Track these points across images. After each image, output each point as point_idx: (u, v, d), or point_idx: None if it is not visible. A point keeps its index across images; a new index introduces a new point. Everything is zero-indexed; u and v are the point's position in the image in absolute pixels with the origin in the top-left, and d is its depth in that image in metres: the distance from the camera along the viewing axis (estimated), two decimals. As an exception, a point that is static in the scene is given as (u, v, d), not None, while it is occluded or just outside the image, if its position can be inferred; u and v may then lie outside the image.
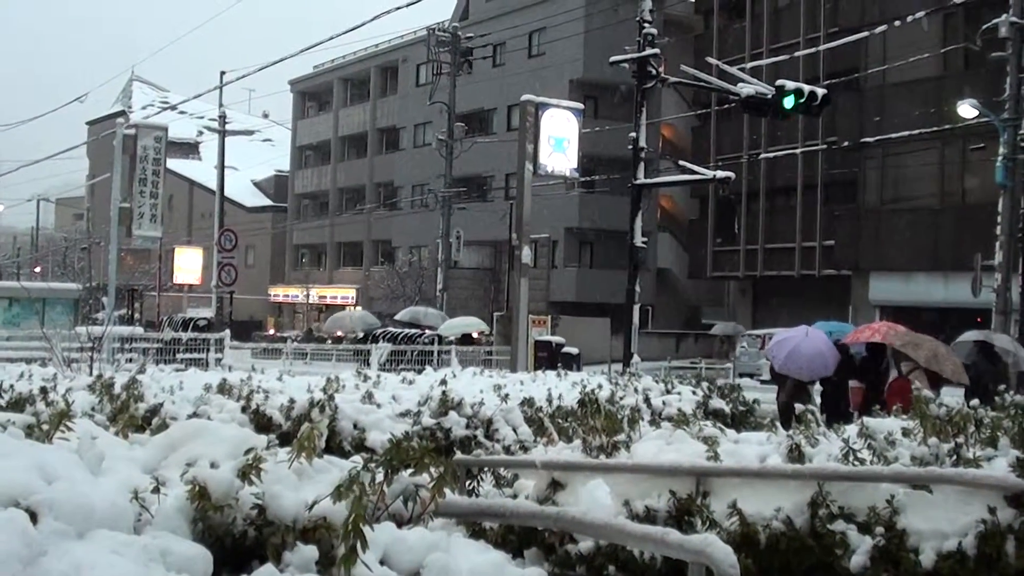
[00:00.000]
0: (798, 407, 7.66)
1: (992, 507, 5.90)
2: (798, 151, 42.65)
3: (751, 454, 7.08)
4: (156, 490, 4.34)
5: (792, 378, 16.47)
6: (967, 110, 29.29)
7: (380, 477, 4.68)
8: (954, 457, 6.38)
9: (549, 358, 30.46)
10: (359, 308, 63.73)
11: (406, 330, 42.33)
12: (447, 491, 5.08)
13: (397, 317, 46.71)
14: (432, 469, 4.89)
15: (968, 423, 6.77)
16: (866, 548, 6.05)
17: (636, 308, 25.02)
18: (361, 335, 44.92)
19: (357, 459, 4.97)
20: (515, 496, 6.97)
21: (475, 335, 41.50)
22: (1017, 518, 5.88)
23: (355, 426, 10.49)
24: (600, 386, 13.47)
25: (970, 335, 19.51)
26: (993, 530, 5.87)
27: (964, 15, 36.37)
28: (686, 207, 56.71)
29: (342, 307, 69.06)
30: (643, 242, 25.00)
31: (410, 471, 4.86)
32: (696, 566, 4.45)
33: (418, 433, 10.32)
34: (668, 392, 13.55)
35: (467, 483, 7.08)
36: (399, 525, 4.77)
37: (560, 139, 23.73)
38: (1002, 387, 11.67)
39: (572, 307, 51.96)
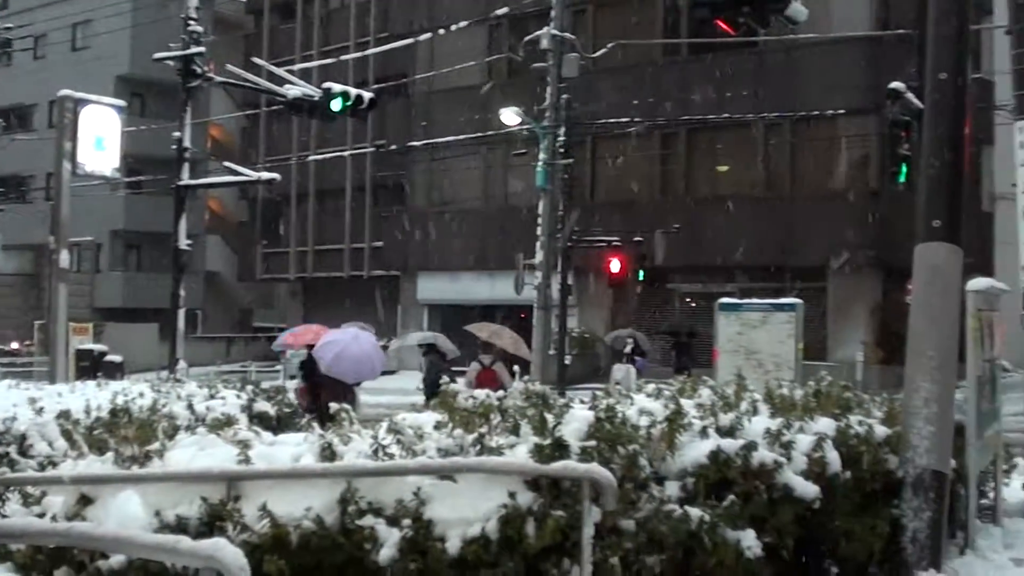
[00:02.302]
0: (333, 406, 7.66)
1: (512, 492, 6.11)
2: (347, 153, 43.10)
3: (286, 455, 7.01)
4: None
5: (338, 380, 16.60)
6: (510, 117, 30.54)
7: None
8: (478, 446, 6.56)
9: (92, 367, 29.24)
10: None
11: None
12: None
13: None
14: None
15: (493, 413, 7.00)
16: (395, 540, 6.11)
17: (182, 312, 24.36)
18: None
19: None
20: (43, 514, 6.62)
21: (15, 346, 39.51)
22: (536, 500, 6.12)
23: None
24: (142, 394, 13.00)
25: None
26: (514, 513, 6.06)
27: (509, 26, 37.97)
28: (236, 209, 56.04)
29: None
30: (189, 245, 24.37)
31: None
32: (208, 571, 4.37)
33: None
34: (212, 397, 13.26)
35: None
36: None
37: (101, 137, 22.74)
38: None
39: (121, 313, 50.12)
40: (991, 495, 10.75)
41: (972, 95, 31.16)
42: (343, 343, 16.66)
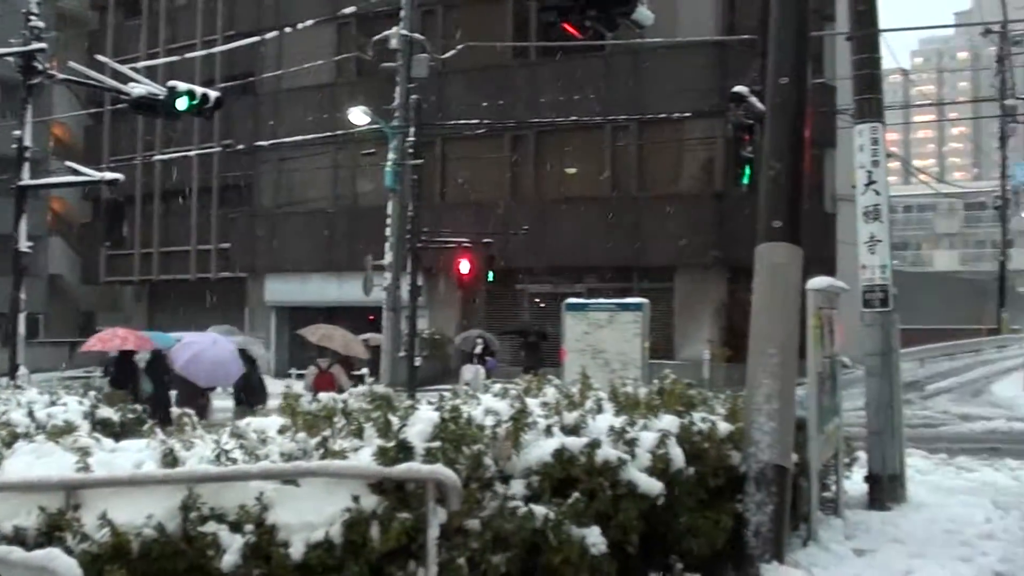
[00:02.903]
0: (175, 411, 7.52)
1: (356, 495, 6.07)
2: (193, 153, 42.34)
3: (127, 462, 6.86)
4: None
5: (191, 382, 16.33)
6: (359, 117, 30.32)
7: None
8: (322, 450, 6.49)
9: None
10: None
11: None
12: None
13: None
14: None
15: (336, 416, 6.93)
16: (237, 547, 6.03)
17: (23, 317, 23.72)
18: None
19: None
20: None
21: None
22: (380, 504, 6.08)
23: None
24: (-20, 403, 12.58)
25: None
26: (358, 517, 6.03)
27: (357, 25, 37.71)
28: (79, 210, 54.61)
29: None
30: (30, 247, 23.75)
31: None
32: (39, 581, 4.23)
33: None
34: (54, 404, 12.88)
35: None
36: None
37: (-66, 135, 22.13)
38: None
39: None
40: (833, 488, 11.02)
41: (814, 99, 32.05)
42: (201, 346, 16.44)
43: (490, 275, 31.00)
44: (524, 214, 34.85)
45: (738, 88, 19.32)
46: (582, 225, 34.05)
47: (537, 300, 36.03)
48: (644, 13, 11.88)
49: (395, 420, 6.68)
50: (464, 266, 30.46)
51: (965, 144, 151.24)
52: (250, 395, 16.12)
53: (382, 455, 6.28)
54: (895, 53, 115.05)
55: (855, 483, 12.36)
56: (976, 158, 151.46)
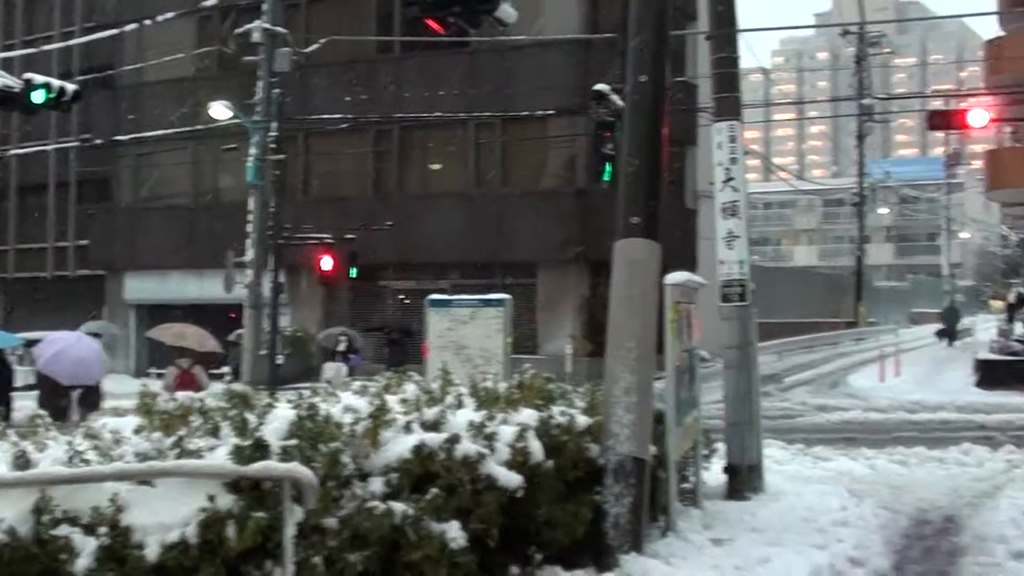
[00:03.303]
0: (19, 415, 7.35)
1: (212, 495, 5.98)
2: (51, 148, 41.35)
3: (-26, 465, 6.67)
4: None
5: (53, 381, 15.96)
6: (220, 111, 29.88)
7: None
8: (177, 450, 6.39)
9: None
10: None
11: None
12: None
13: None
14: None
15: (192, 415, 6.83)
16: (91, 549, 5.89)
17: None
18: None
19: None
20: None
21: None
22: (236, 503, 6.01)
23: None
24: None
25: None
26: (214, 517, 5.94)
27: (220, 18, 37.18)
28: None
29: None
30: None
31: None
32: None
33: None
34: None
35: None
36: None
37: None
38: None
39: None
40: (692, 479, 11.21)
41: (676, 97, 32.50)
42: (64, 343, 16.05)
43: (353, 271, 30.84)
44: (388, 210, 34.71)
45: (599, 86, 19.54)
46: (446, 221, 34.06)
47: (401, 296, 35.93)
48: (507, 11, 11.95)
49: (252, 418, 6.61)
50: (327, 263, 30.26)
51: (824, 142, 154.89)
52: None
53: (238, 454, 6.20)
54: (756, 53, 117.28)
55: (715, 474, 12.59)
56: (834, 156, 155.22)
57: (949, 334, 50.42)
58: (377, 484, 6.68)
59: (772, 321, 43.96)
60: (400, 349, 29.39)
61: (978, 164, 66.95)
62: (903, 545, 10.65)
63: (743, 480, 12.43)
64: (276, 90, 28.49)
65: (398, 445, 6.87)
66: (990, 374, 30.01)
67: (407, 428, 7.08)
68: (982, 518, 11.75)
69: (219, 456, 6.29)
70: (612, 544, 8.60)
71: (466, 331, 14.70)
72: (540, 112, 32.70)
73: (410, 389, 8.01)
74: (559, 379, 9.60)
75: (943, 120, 29.66)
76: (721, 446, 12.70)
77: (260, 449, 6.25)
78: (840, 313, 58.79)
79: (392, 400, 7.53)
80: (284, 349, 31.68)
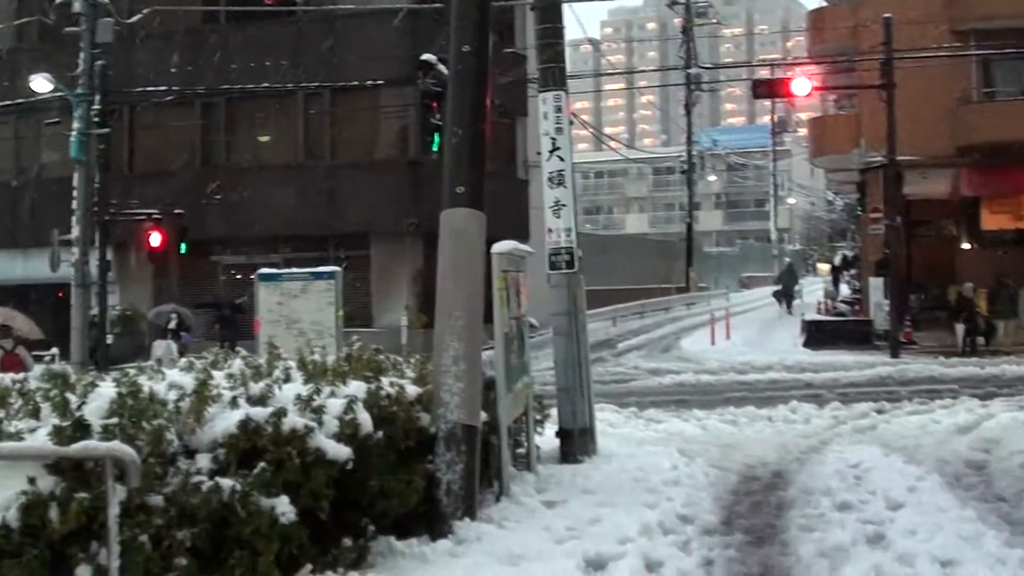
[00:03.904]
0: None
1: (32, 477, 5.86)
2: None
3: None
4: None
5: None
6: (41, 84, 28.99)
7: None
8: (-6, 432, 6.25)
9: None
10: None
11: None
12: None
13: None
14: None
15: (11, 396, 6.68)
16: (-95, 538, 5.74)
17: None
18: None
19: None
20: None
21: None
22: (58, 484, 5.90)
23: None
24: None
25: None
26: (36, 500, 5.82)
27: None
28: None
29: None
30: None
31: None
32: None
33: None
34: None
35: None
36: None
37: None
38: None
39: None
40: (526, 444, 11.37)
41: (506, 68, 32.64)
42: None
43: (183, 247, 30.27)
44: (217, 184, 34.14)
45: (426, 56, 19.50)
46: (277, 194, 33.61)
47: (233, 271, 35.34)
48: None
49: (73, 398, 6.49)
50: (155, 239, 29.65)
51: (653, 112, 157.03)
52: None
53: (58, 434, 6.09)
54: (584, 24, 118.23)
55: (549, 439, 12.79)
56: (664, 125, 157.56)
57: (787, 296, 47.36)
58: (204, 460, 6.63)
59: (605, 288, 44.65)
60: (232, 325, 28.94)
61: (804, 132, 68.73)
62: (732, 501, 10.99)
63: (576, 444, 12.65)
64: (99, 62, 27.81)
65: (224, 421, 6.82)
66: (817, 334, 31.08)
67: (233, 403, 7.03)
68: (809, 472, 12.19)
69: (39, 437, 6.16)
70: (446, 511, 8.68)
71: (297, 305, 14.55)
72: (370, 82, 32.49)
73: (236, 364, 7.95)
74: (395, 351, 9.64)
75: (767, 89, 30.50)
76: (554, 412, 12.90)
77: (81, 429, 6.14)
78: (672, 279, 59.87)
79: (219, 376, 7.47)
80: (114, 328, 30.97)
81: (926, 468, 12.04)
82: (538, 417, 12.12)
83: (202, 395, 6.82)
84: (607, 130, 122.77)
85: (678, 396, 20.81)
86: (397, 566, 7.72)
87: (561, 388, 12.87)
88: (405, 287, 32.88)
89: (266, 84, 33.46)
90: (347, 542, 7.50)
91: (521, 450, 11.33)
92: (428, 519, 8.55)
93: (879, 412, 17.37)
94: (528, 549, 8.10)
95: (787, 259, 63.05)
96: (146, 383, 6.95)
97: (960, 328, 27.64)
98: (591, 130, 76.45)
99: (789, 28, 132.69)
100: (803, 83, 28.46)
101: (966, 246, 35.35)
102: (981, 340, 27.72)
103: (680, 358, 28.77)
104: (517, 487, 10.21)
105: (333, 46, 33.36)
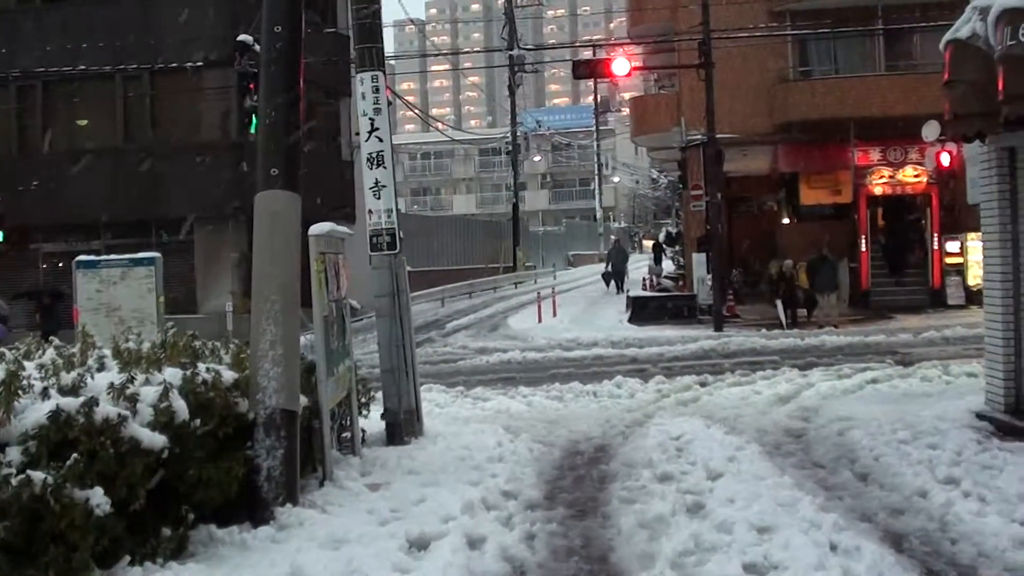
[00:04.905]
0: None
1: None
2: None
3: None
4: None
5: None
6: None
7: None
8: None
9: None
10: None
11: None
12: None
13: None
14: None
15: None
16: None
17: None
18: None
19: None
20: None
21: None
22: None
23: None
24: None
25: None
26: None
27: None
28: None
29: None
30: None
31: None
32: None
33: None
34: None
35: None
36: None
37: None
38: None
39: None
40: (350, 428, 11.36)
41: (328, 49, 32.36)
42: None
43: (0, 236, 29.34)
44: (35, 170, 33.10)
45: (242, 37, 19.26)
46: (96, 179, 32.77)
47: (53, 259, 34.39)
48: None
49: None
50: (-31, 227, 28.66)
51: (479, 93, 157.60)
52: None
53: None
54: (408, 5, 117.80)
55: (375, 422, 12.80)
56: (489, 106, 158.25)
57: (618, 275, 45.40)
58: (15, 454, 6.50)
59: (434, 269, 44.72)
60: (52, 315, 28.14)
61: (627, 112, 69.83)
62: (555, 476, 11.17)
63: (401, 425, 12.68)
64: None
65: (34, 412, 6.69)
66: (642, 310, 31.60)
67: (44, 394, 6.89)
68: (632, 445, 12.44)
69: None
70: (267, 498, 8.63)
71: (117, 292, 14.29)
72: (189, 64, 31.88)
73: (48, 354, 7.78)
74: (221, 337, 9.52)
75: (588, 69, 30.76)
76: (380, 395, 12.91)
77: None
78: (499, 259, 60.22)
79: (30, 367, 7.31)
80: (-76, 322, 29.85)
81: (746, 438, 12.40)
82: (363, 400, 12.12)
83: (11, 387, 6.66)
84: (433, 111, 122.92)
85: (505, 374, 20.96)
86: (217, 554, 7.67)
87: (385, 370, 12.88)
88: (230, 272, 32.41)
89: (83, 66, 32.57)
90: (166, 532, 7.41)
91: (347, 434, 11.32)
92: (249, 506, 8.49)
93: (702, 385, 17.77)
94: (351, 532, 8.12)
95: (613, 237, 63.63)
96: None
97: (780, 303, 28.41)
98: (417, 112, 76.30)
99: (612, 9, 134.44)
100: (623, 63, 28.87)
101: (786, 221, 36.37)
102: (803, 312, 28.53)
103: (507, 336, 28.96)
104: (341, 471, 10.21)
105: (151, 26, 32.62)
